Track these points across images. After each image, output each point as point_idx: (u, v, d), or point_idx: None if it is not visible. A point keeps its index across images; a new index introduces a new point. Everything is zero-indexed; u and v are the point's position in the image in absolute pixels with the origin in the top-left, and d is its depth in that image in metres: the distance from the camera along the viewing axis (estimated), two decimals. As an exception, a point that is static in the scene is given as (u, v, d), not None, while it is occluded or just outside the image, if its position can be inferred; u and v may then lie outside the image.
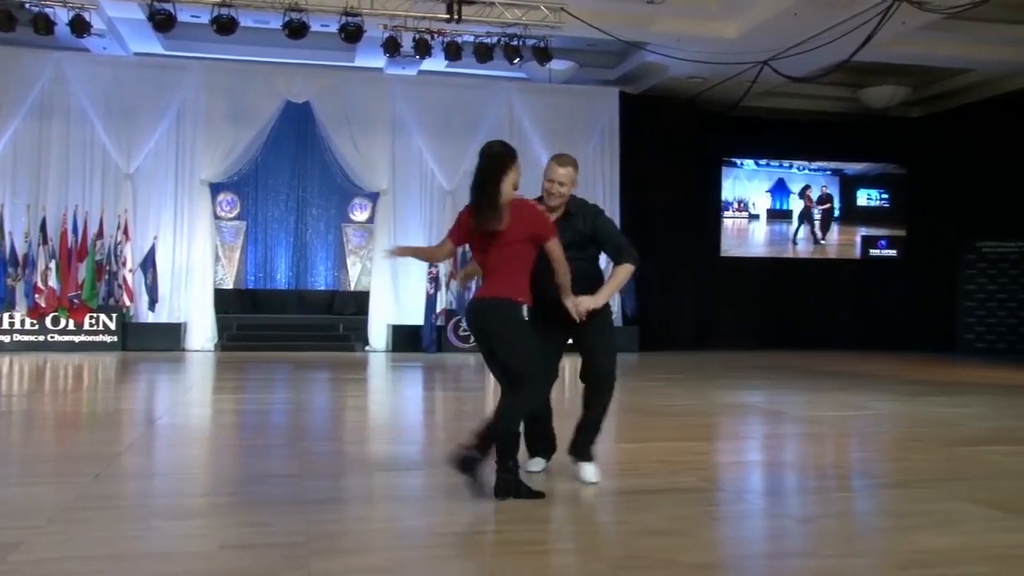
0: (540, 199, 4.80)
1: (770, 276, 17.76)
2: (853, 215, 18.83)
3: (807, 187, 18.73)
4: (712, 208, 17.92)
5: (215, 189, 15.88)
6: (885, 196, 18.81)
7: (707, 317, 17.21)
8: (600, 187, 16.68)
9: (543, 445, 5.00)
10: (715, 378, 11.16)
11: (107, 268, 14.71)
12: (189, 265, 15.22)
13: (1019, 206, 16.07)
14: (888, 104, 17.07)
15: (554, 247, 4.43)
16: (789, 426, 7.29)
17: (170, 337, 14.79)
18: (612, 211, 16.71)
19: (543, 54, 13.42)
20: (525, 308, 4.35)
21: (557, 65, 15.09)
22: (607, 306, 4.73)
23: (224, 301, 16.06)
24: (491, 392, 10.06)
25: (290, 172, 17.23)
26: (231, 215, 17.11)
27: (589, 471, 4.72)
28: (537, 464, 4.94)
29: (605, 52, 15.87)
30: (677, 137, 16.89)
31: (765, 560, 3.49)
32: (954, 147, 17.17)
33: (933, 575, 3.20)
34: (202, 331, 15.09)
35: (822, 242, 18.60)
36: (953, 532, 3.80)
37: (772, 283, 17.67)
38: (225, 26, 12.37)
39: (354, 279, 17.45)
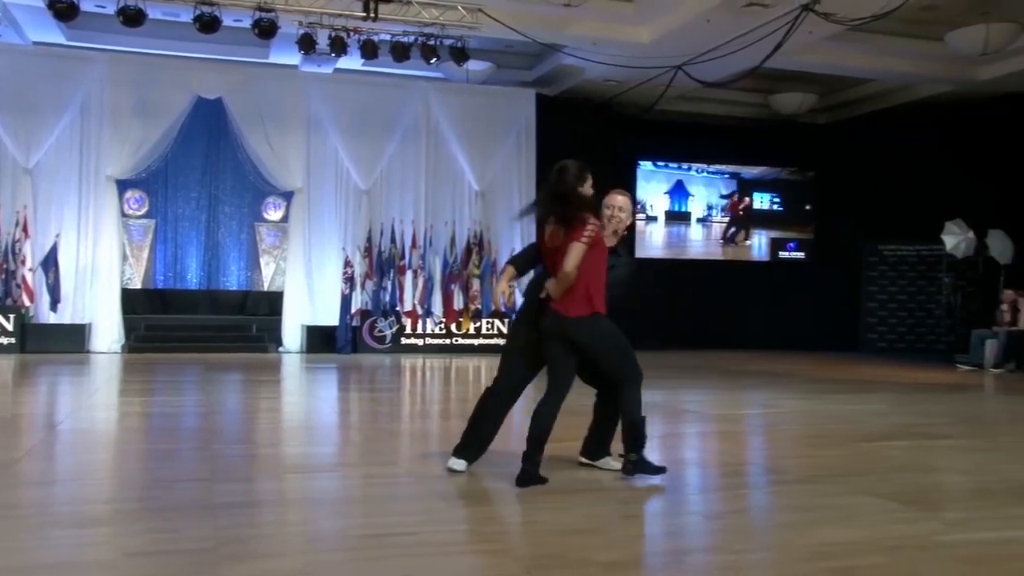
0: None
1: (681, 277, 18.06)
2: (752, 218, 19.15)
3: (734, 193, 19.07)
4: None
5: (122, 186, 15.38)
6: (777, 200, 19.24)
7: (637, 315, 17.40)
8: (516, 188, 16.72)
9: (477, 449, 4.95)
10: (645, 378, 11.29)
11: (4, 267, 14.12)
12: (94, 264, 14.71)
13: (917, 211, 16.69)
14: (797, 110, 17.55)
15: (574, 248, 4.49)
16: (698, 424, 7.44)
17: (73, 339, 14.28)
18: (528, 212, 16.78)
19: (460, 54, 13.41)
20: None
21: (474, 66, 15.08)
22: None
23: (131, 301, 15.58)
24: (406, 392, 10.01)
25: (201, 169, 16.81)
26: (139, 213, 16.62)
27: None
28: (459, 464, 4.91)
29: (522, 54, 15.93)
30: (593, 139, 17.02)
31: (675, 556, 3.55)
32: (858, 153, 17.74)
33: (835, 567, 3.30)
34: (108, 332, 14.62)
35: (738, 244, 19.00)
36: (854, 525, 3.93)
37: (683, 284, 17.98)
38: (132, 18, 11.99)
39: (268, 279, 17.14)
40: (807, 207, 19.16)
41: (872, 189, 17.49)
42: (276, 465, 5.29)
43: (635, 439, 4.77)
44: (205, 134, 16.33)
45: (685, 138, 18.18)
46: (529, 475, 4.59)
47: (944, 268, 16.63)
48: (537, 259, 4.87)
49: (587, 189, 4.74)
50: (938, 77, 15.26)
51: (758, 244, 19.16)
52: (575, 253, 4.49)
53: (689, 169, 18.91)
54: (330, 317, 15.30)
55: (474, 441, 4.96)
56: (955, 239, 15.59)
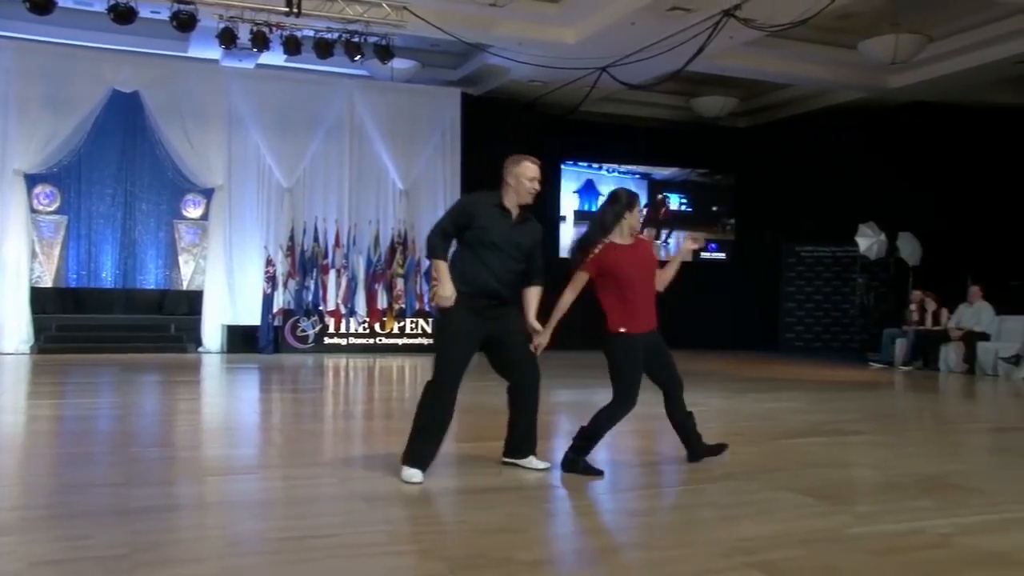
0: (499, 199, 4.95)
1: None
2: (666, 219, 19.20)
3: (663, 196, 19.28)
4: (551, 210, 18.24)
5: (31, 181, 14.86)
6: (686, 200, 19.40)
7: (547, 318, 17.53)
8: (441, 188, 16.70)
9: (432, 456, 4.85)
10: (550, 377, 11.37)
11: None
12: (1, 262, 14.19)
13: (833, 213, 17.18)
14: (718, 114, 17.88)
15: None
16: (624, 424, 7.52)
17: (-20, 339, 13.76)
18: (453, 212, 16.77)
19: (385, 52, 13.32)
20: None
21: (399, 64, 15.01)
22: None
23: (42, 300, 15.07)
24: (329, 393, 9.90)
25: (117, 165, 16.33)
26: (50, 209, 16.08)
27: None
28: (416, 475, 4.69)
29: (447, 52, 15.90)
30: (518, 139, 16.91)
31: (598, 554, 3.59)
32: (778, 157, 18.15)
33: (753, 561, 3.37)
34: (16, 332, 14.11)
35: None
36: (772, 520, 4.02)
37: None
38: (40, 6, 11.53)
39: (187, 278, 16.76)
40: (714, 208, 19.41)
41: (791, 192, 17.91)
42: (195, 468, 5.18)
43: (586, 440, 4.99)
44: (121, 128, 15.88)
45: (609, 140, 18.36)
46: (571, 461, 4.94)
47: (858, 269, 17.15)
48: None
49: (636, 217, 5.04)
50: (852, 84, 15.74)
51: (672, 245, 19.35)
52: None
53: (600, 168, 18.90)
54: (251, 317, 15.05)
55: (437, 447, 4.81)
56: (868, 241, 16.07)
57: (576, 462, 5.00)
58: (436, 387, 4.75)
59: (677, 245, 19.25)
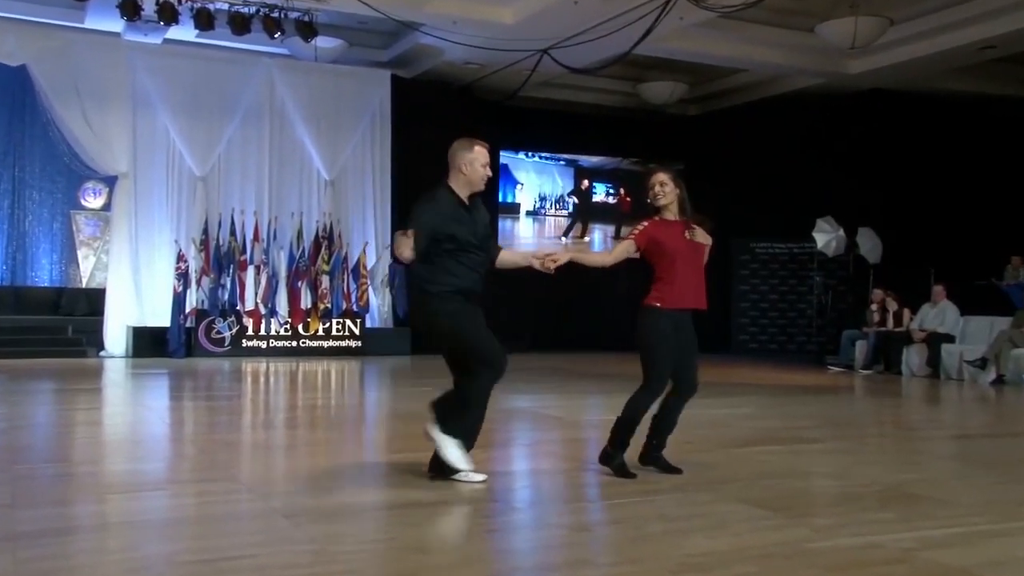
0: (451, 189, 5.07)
1: (530, 274, 18.25)
2: (592, 210, 19.35)
3: (587, 182, 19.38)
4: (486, 203, 18.22)
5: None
6: (613, 191, 19.50)
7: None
8: (369, 178, 16.59)
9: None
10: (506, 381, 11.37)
11: None
12: None
13: (788, 208, 17.43)
14: (667, 100, 18.05)
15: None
16: (563, 431, 7.56)
17: None
18: (383, 205, 16.69)
19: (308, 29, 13.17)
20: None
21: (324, 43, 14.86)
22: None
23: (-81, 300, 14.61)
24: (248, 400, 9.77)
25: (2, 149, 15.87)
26: (-74, 197, 15.60)
27: None
28: (478, 475, 4.94)
29: (376, 31, 15.79)
30: (452, 126, 16.82)
31: (538, 572, 3.59)
32: (728, 147, 18.34)
33: (705, 578, 3.41)
34: None
35: (574, 239, 19.15)
36: (724, 533, 4.06)
37: (546, 282, 18.19)
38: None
39: (86, 274, 16.38)
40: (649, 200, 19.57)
41: (744, 184, 18.08)
42: (95, 485, 5.06)
43: (622, 432, 5.18)
44: (6, 107, 15.43)
45: (550, 127, 18.41)
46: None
47: (815, 267, 17.45)
48: None
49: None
50: (809, 69, 16.01)
51: (600, 239, 19.30)
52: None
53: (516, 153, 18.82)
54: (161, 317, 14.78)
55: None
56: (826, 237, 16.34)
57: (613, 457, 5.19)
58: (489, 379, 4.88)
59: (605, 241, 19.34)
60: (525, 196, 18.88)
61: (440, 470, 4.94)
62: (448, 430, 4.87)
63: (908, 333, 13.85)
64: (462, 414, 4.90)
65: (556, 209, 19.37)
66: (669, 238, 5.23)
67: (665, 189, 5.36)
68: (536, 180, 19.18)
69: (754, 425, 7.88)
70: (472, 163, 4.98)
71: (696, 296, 5.25)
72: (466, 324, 4.87)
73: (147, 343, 14.66)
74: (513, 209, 18.87)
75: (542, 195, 19.14)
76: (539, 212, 19.18)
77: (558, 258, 5.10)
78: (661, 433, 5.36)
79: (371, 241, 16.37)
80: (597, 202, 19.43)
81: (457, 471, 4.85)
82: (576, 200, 19.42)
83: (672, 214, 5.34)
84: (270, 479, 5.11)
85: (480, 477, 4.90)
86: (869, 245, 16.23)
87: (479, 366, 4.83)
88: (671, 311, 5.15)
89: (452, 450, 4.83)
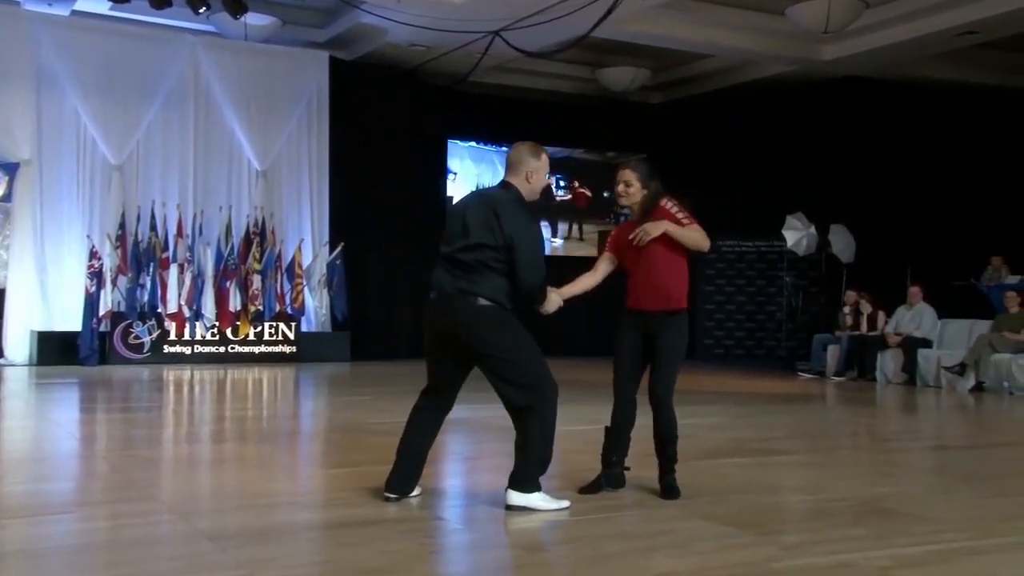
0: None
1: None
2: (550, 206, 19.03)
3: (574, 180, 19.31)
4: (434, 197, 18.19)
5: None
6: (564, 183, 19.29)
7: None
8: (306, 169, 16.48)
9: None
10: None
11: None
12: None
13: (757, 203, 17.59)
14: (628, 87, 18.14)
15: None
16: (511, 443, 7.55)
17: None
18: (320, 198, 16.60)
19: (236, 5, 13.05)
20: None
21: (254, 20, 14.73)
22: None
23: None
24: (170, 411, 9.65)
25: None
26: None
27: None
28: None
29: (313, 9, 15.70)
30: (397, 113, 17.03)
31: (490, 596, 3.59)
32: (693, 137, 18.44)
33: (668, 601, 3.42)
34: None
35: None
36: (689, 552, 4.10)
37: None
38: None
39: (-14, 273, 16.07)
40: (606, 194, 19.54)
41: (709, 178, 18.17)
42: (-6, 507, 4.96)
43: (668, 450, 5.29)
44: None
45: (503, 115, 18.39)
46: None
47: (785, 267, 17.64)
48: None
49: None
50: (779, 55, 16.17)
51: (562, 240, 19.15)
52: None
53: (465, 143, 18.65)
54: (70, 321, 14.54)
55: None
56: (796, 235, 16.52)
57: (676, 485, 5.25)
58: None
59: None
60: (458, 189, 18.22)
61: (401, 490, 4.92)
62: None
63: (883, 337, 14.04)
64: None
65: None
66: (623, 238, 5.36)
67: (629, 190, 5.36)
68: (472, 169, 18.73)
69: (720, 436, 7.94)
70: (538, 172, 5.01)
71: (647, 296, 5.31)
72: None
73: (54, 349, 14.41)
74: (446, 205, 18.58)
75: (480, 188, 18.81)
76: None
77: (552, 307, 5.14)
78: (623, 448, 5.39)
79: (307, 238, 16.26)
80: (551, 195, 19.06)
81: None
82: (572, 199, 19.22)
83: (636, 215, 5.41)
84: (194, 498, 5.06)
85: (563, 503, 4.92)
86: (842, 244, 16.44)
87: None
88: (632, 312, 5.35)
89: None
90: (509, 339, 4.80)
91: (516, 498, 4.74)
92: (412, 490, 4.96)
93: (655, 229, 5.16)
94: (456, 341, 4.79)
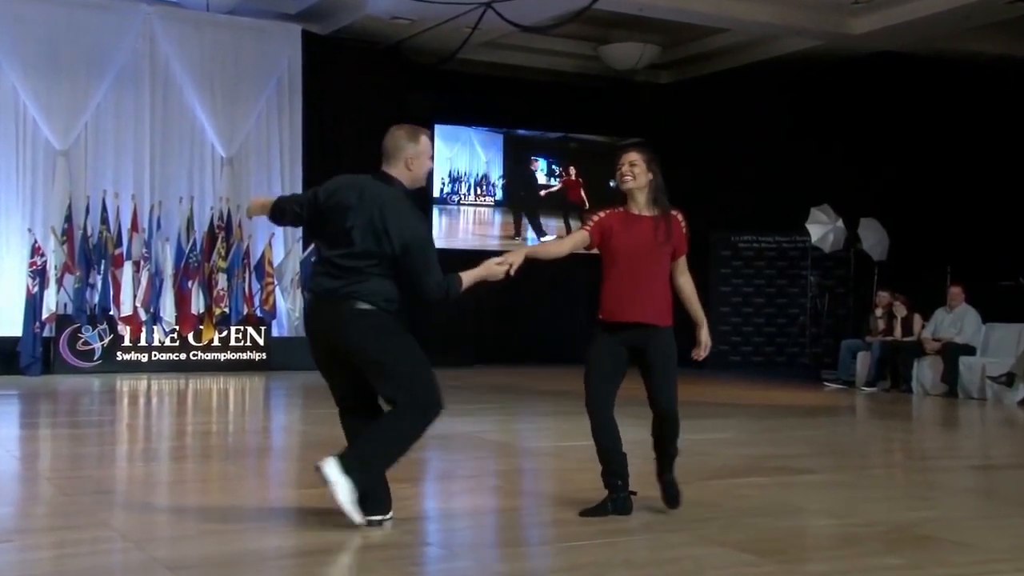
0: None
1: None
2: (528, 198, 18.84)
3: (569, 167, 19.24)
4: (420, 187, 18.13)
5: None
6: (558, 169, 19.14)
7: (413, 325, 17.43)
8: (276, 155, 16.47)
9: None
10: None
11: None
12: None
13: (778, 194, 17.55)
14: (634, 65, 18.12)
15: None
16: (512, 460, 7.57)
17: None
18: (293, 187, 16.58)
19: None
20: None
21: (218, -12, 14.75)
22: None
23: None
24: (124, 426, 9.63)
25: None
26: None
27: None
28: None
29: (283, -24, 15.70)
30: (378, 93, 17.00)
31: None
32: (707, 121, 18.42)
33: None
34: None
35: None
36: (702, 583, 4.10)
37: (490, 285, 18.17)
38: None
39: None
40: (612, 184, 19.40)
41: (724, 165, 18.19)
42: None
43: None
44: None
45: (495, 96, 18.39)
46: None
47: (809, 265, 17.61)
48: None
49: None
50: (803, 29, 16.13)
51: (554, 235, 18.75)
52: None
53: (454, 127, 18.45)
54: (9, 325, 14.51)
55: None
56: (822, 229, 16.49)
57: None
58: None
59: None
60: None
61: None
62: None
63: (919, 343, 14.01)
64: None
65: (478, 196, 18.49)
66: (620, 232, 5.32)
67: (635, 170, 5.41)
68: (446, 152, 18.34)
69: (736, 453, 7.95)
70: (419, 158, 5.05)
71: (642, 308, 5.29)
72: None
73: (-9, 357, 14.41)
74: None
75: (455, 174, 18.41)
76: (449, 199, 18.39)
77: (513, 260, 5.14)
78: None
79: (278, 232, 16.23)
80: (538, 185, 18.82)
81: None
82: (506, 182, 18.79)
83: (639, 205, 5.41)
84: (151, 524, 5.05)
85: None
86: (873, 239, 16.41)
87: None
88: (611, 324, 5.31)
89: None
90: (391, 346, 4.88)
91: (331, 469, 4.66)
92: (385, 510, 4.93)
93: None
94: (337, 346, 4.87)
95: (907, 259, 16.11)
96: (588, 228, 5.37)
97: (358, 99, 16.91)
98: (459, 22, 15.35)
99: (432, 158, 5.16)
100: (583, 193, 19.18)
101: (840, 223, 16.46)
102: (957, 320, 13.92)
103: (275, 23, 16.49)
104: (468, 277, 5.10)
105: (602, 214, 5.43)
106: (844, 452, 8.58)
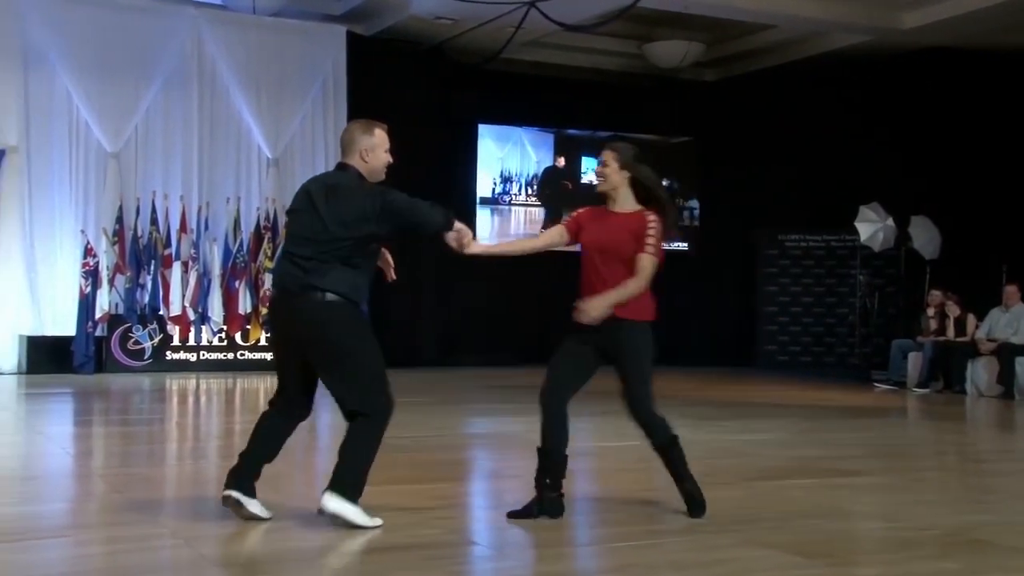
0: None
1: (534, 275, 18.20)
2: (575, 196, 18.33)
3: (563, 160, 19.12)
4: (465, 185, 18.20)
5: None
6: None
7: (456, 325, 17.47)
8: (321, 155, 16.53)
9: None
10: (466, 402, 11.42)
11: None
12: None
13: (826, 192, 17.41)
14: (679, 63, 18.04)
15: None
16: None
17: None
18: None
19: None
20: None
21: (264, -10, 14.85)
22: None
23: None
24: (173, 424, 9.72)
25: None
26: None
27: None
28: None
29: (328, -22, 15.77)
30: (421, 94, 17.04)
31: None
32: (752, 119, 18.30)
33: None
34: None
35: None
36: (749, 584, 4.08)
37: (537, 283, 18.15)
38: None
39: (-32, 272, 16.26)
40: (667, 183, 19.35)
41: (771, 163, 18.08)
42: (-22, 531, 5.03)
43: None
44: None
45: (538, 96, 18.33)
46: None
47: (858, 264, 17.46)
48: None
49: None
50: (853, 24, 15.97)
51: None
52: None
53: (496, 127, 18.44)
54: (63, 325, 14.70)
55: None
56: (871, 228, 16.34)
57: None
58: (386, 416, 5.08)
59: None
60: (481, 175, 18.17)
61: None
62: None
63: (973, 344, 13.88)
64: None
65: (529, 195, 18.51)
66: (590, 229, 5.30)
67: (606, 171, 5.33)
68: (496, 152, 18.40)
69: (783, 454, 7.90)
70: (374, 150, 5.13)
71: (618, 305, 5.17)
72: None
73: (46, 356, 14.56)
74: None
75: (506, 174, 18.41)
76: (501, 199, 18.40)
77: (466, 240, 5.20)
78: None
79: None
80: (585, 184, 18.41)
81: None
82: (544, 181, 18.58)
83: (616, 203, 5.30)
84: (200, 521, 5.09)
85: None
86: (925, 237, 16.24)
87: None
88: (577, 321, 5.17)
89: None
90: (350, 338, 4.94)
91: (333, 503, 4.76)
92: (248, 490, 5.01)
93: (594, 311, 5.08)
94: (299, 340, 4.94)
95: (960, 257, 15.92)
96: (566, 223, 5.40)
97: (402, 99, 16.92)
98: (502, 21, 15.35)
99: (388, 151, 5.19)
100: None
101: (890, 221, 16.30)
102: (1013, 320, 13.76)
103: (320, 24, 16.58)
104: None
105: (582, 210, 5.44)
106: (895, 454, 8.49)
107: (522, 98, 18.31)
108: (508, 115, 18.68)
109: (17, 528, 5.12)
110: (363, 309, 5.13)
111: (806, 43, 17.52)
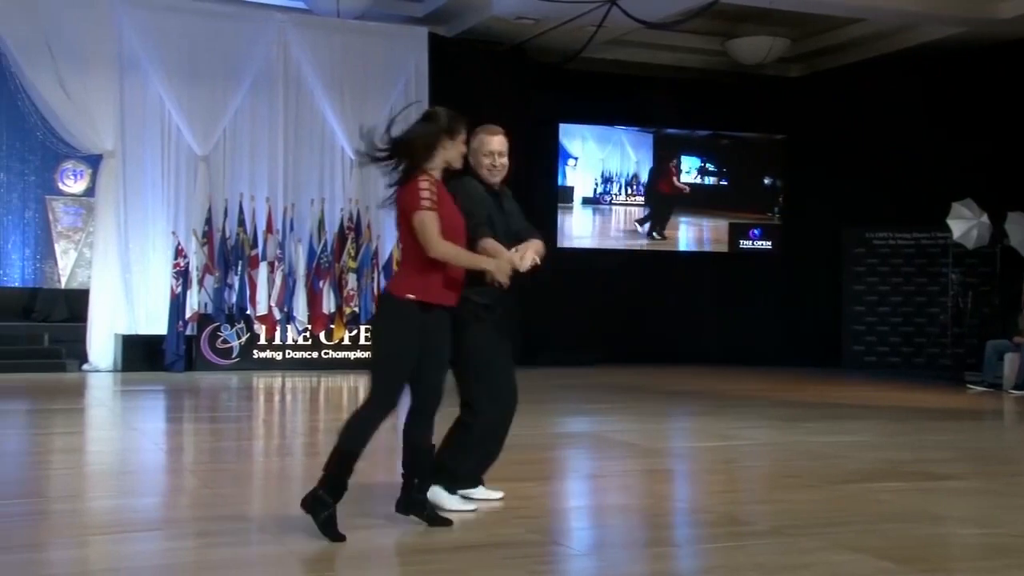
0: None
1: (619, 274, 18.18)
2: (677, 197, 18.69)
3: (674, 161, 19.12)
4: (548, 186, 18.21)
5: None
6: (713, 170, 18.95)
7: (539, 325, 17.47)
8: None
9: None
10: (549, 401, 11.40)
11: None
12: None
13: (916, 189, 17.13)
14: (763, 59, 17.85)
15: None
16: (641, 460, 7.52)
17: None
18: (420, 187, 16.74)
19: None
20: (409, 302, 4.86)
21: (348, -7, 14.97)
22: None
23: None
24: (260, 422, 9.87)
25: (-36, 123, 16.19)
26: None
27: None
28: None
29: (410, -20, 15.87)
30: (502, 94, 17.03)
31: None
32: (840, 115, 18.07)
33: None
34: None
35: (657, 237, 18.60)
36: (836, 588, 4.02)
37: (621, 283, 18.11)
38: None
39: (66, 272, 16.66)
40: (767, 181, 19.25)
41: (858, 159, 17.86)
42: (74, 525, 5.15)
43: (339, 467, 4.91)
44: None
45: (620, 95, 18.28)
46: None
47: (951, 262, 17.16)
48: None
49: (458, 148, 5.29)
50: (945, 15, 15.66)
51: (690, 234, 18.73)
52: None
53: (578, 125, 18.48)
54: (155, 324, 14.98)
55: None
56: (965, 225, 16.05)
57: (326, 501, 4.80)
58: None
59: (700, 241, 18.99)
60: (580, 176, 18.26)
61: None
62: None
63: (1072, 344, 13.59)
64: None
65: (629, 195, 18.59)
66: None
67: (503, 160, 5.57)
68: (597, 153, 18.52)
69: (872, 456, 7.77)
70: (476, 152, 5.61)
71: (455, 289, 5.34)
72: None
73: (139, 354, 14.84)
74: (563, 195, 18.31)
75: (607, 175, 18.49)
76: (602, 199, 18.50)
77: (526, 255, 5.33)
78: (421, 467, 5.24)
79: (407, 230, 16.40)
80: (686, 183, 18.75)
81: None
82: (648, 181, 18.70)
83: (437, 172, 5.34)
84: (286, 517, 5.15)
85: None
86: (1022, 235, 15.92)
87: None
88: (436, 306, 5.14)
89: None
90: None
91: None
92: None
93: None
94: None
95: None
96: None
97: (484, 99, 16.90)
98: (583, 20, 15.32)
99: (492, 155, 5.63)
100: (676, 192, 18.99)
101: (985, 218, 15.97)
102: (1114, 319, 13.44)
103: (402, 27, 16.69)
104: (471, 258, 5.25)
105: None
106: (990, 458, 8.31)
107: (603, 97, 18.26)
108: (588, 114, 18.63)
109: (114, 521, 5.25)
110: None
111: (896, 36, 17.21)
